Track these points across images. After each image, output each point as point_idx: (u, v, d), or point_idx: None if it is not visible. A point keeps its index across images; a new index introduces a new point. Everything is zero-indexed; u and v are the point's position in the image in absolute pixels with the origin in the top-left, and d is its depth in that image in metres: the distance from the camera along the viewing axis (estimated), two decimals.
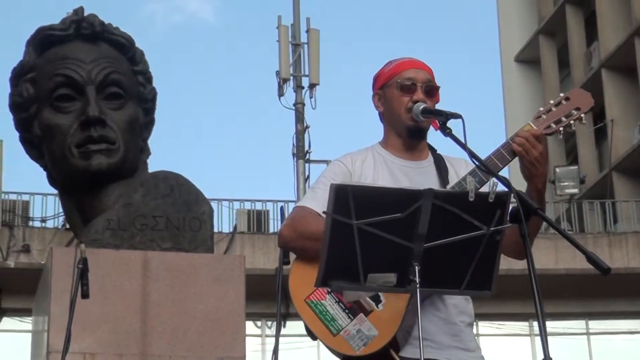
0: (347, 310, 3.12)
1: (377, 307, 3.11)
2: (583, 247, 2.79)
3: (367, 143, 3.51)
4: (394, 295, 3.07)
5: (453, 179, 3.37)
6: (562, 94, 3.39)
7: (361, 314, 3.11)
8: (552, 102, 3.37)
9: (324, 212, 2.84)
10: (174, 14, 77.30)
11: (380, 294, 3.11)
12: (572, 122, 3.32)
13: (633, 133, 28.34)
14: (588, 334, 22.64)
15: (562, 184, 22.88)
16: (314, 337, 3.16)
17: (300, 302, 3.15)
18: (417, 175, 3.35)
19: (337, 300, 3.13)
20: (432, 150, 3.49)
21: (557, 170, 22.94)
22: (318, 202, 3.23)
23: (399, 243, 2.78)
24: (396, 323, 3.09)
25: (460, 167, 3.43)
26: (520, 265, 3.43)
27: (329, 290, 3.10)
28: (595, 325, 22.59)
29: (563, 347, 21.37)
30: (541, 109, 3.35)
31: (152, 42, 67.56)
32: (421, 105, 3.31)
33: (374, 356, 3.10)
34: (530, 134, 3.23)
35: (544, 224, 3.24)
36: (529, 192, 3.21)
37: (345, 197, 2.75)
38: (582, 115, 3.34)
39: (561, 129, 3.31)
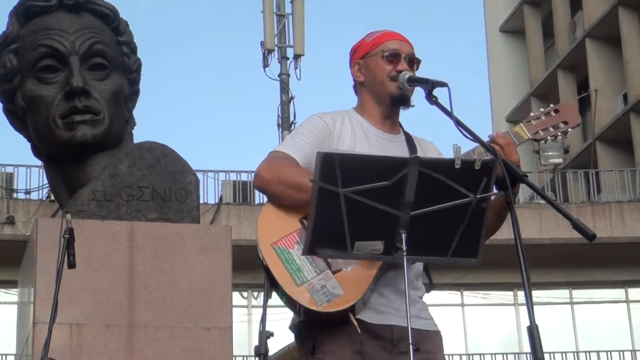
0: (314, 264, 3.11)
1: (346, 268, 3.11)
2: (568, 214, 2.81)
3: None
4: (365, 262, 3.07)
5: None
6: (552, 105, 3.51)
7: (328, 270, 3.10)
8: (542, 110, 3.50)
9: (311, 180, 2.84)
10: None
11: None
12: (558, 134, 3.44)
13: (616, 103, 28.41)
14: (572, 303, 22.78)
15: (546, 153, 22.94)
16: (272, 284, 3.13)
17: (266, 245, 3.13)
18: (393, 148, 3.37)
19: None
20: (402, 127, 3.51)
21: None
22: (297, 150, 3.24)
23: (385, 211, 2.79)
24: (362, 288, 3.09)
25: (427, 149, 3.47)
26: (505, 235, 3.46)
27: (299, 240, 3.09)
28: (579, 294, 22.73)
29: (547, 316, 21.51)
30: (532, 114, 3.47)
31: (137, 11, 67.21)
32: (407, 74, 3.33)
33: (331, 315, 3.09)
34: (507, 142, 3.24)
35: (524, 194, 3.27)
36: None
37: (332, 165, 2.75)
38: (569, 129, 3.46)
39: (548, 137, 3.43)
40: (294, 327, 3.27)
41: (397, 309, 3.16)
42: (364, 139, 3.36)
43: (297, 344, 3.25)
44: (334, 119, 3.38)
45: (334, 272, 3.10)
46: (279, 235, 3.10)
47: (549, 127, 3.42)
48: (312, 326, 3.17)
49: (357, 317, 3.11)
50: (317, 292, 3.07)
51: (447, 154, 3.44)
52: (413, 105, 3.43)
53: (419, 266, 3.33)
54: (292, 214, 3.14)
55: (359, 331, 3.06)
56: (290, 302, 3.13)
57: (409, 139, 3.46)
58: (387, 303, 3.15)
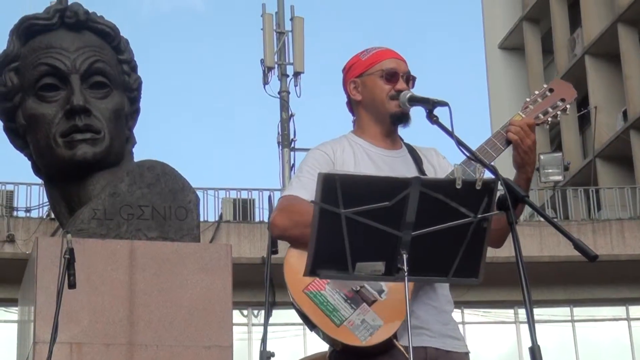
0: (349, 300, 3.09)
1: (380, 297, 3.10)
2: (570, 234, 2.80)
3: None
4: (397, 285, 3.05)
5: (428, 168, 3.40)
6: (545, 85, 3.46)
7: (364, 303, 3.09)
8: (537, 92, 3.44)
9: (312, 202, 2.83)
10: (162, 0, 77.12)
11: (383, 283, 3.10)
12: (558, 112, 3.40)
13: (616, 120, 28.42)
14: (573, 321, 22.72)
15: (546, 171, 22.91)
16: (312, 327, 3.12)
17: (298, 292, 3.10)
18: (398, 165, 3.36)
19: (338, 290, 3.10)
20: (402, 140, 3.50)
21: (542, 157, 22.96)
22: (306, 189, 3.22)
23: (387, 231, 2.78)
24: (401, 313, 3.07)
25: (431, 157, 3.47)
26: (505, 252, 3.46)
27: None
28: (580, 312, 22.67)
29: (548, 334, 21.45)
30: (527, 99, 3.42)
31: (140, 27, 67.35)
32: (408, 93, 3.33)
33: (378, 346, 3.09)
34: (524, 122, 3.26)
35: (525, 212, 3.27)
36: (517, 180, 3.25)
37: (333, 185, 2.74)
38: (567, 106, 3.42)
39: (549, 119, 3.39)
40: (331, 356, 3.24)
41: (430, 330, 3.15)
42: (367, 160, 3.35)
43: None
44: (334, 149, 3.37)
45: (370, 304, 3.09)
46: (307, 280, 3.07)
47: (548, 108, 3.39)
48: (350, 355, 3.14)
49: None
50: (357, 328, 3.06)
51: (451, 159, 3.45)
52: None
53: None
54: None
55: (407, 356, 3.02)
56: (332, 341, 3.11)
57: (412, 152, 3.45)
58: (420, 324, 3.14)
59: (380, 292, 3.10)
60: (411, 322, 3.07)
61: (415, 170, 3.35)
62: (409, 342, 2.81)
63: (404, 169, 3.31)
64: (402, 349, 3.06)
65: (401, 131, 3.48)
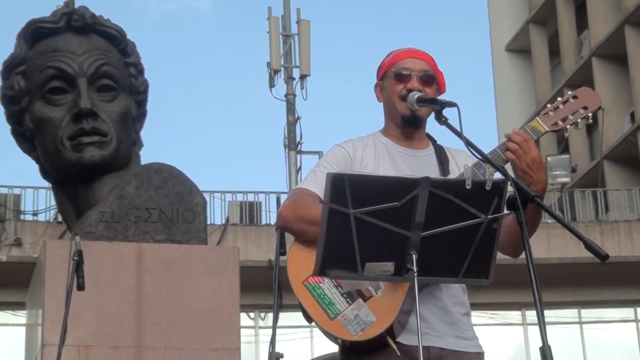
0: (345, 295, 3.13)
1: (376, 294, 3.12)
2: (580, 234, 2.79)
3: (359, 133, 3.53)
4: (394, 283, 3.07)
5: (454, 170, 3.38)
6: (570, 92, 3.39)
7: (359, 299, 3.12)
8: (559, 99, 3.37)
9: (321, 201, 2.83)
10: (168, 1, 77.24)
11: None
12: (579, 120, 3.33)
13: (624, 121, 28.39)
14: (580, 322, 22.68)
15: (553, 172, 22.89)
16: (309, 320, 3.17)
17: (298, 283, 3.15)
18: (418, 164, 3.36)
19: (336, 284, 3.14)
20: (433, 140, 3.49)
21: (549, 159, 22.96)
22: (319, 184, 3.24)
23: (396, 232, 2.78)
24: (394, 311, 3.10)
25: (461, 159, 3.44)
26: None
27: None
28: (588, 314, 22.63)
29: (555, 335, 21.41)
30: (549, 105, 3.35)
31: (145, 29, 67.44)
32: (416, 94, 3.32)
33: (370, 342, 3.11)
34: (523, 139, 3.19)
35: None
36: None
37: (342, 185, 2.74)
38: (590, 114, 3.35)
39: (568, 126, 3.32)
40: (338, 354, 3.29)
41: (434, 329, 3.16)
42: (388, 159, 3.36)
43: None
44: (355, 146, 3.39)
45: (365, 300, 3.12)
46: (308, 272, 3.11)
47: (568, 115, 3.31)
48: (351, 353, 3.19)
49: (397, 340, 3.11)
50: (350, 323, 3.10)
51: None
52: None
53: None
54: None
55: (398, 354, 3.06)
56: (327, 334, 3.16)
57: (440, 152, 3.43)
58: (424, 324, 3.13)
59: (377, 288, 3.13)
60: (412, 320, 3.09)
61: (436, 170, 3.34)
62: (419, 341, 2.81)
63: (424, 168, 3.29)
64: (394, 347, 3.08)
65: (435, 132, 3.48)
